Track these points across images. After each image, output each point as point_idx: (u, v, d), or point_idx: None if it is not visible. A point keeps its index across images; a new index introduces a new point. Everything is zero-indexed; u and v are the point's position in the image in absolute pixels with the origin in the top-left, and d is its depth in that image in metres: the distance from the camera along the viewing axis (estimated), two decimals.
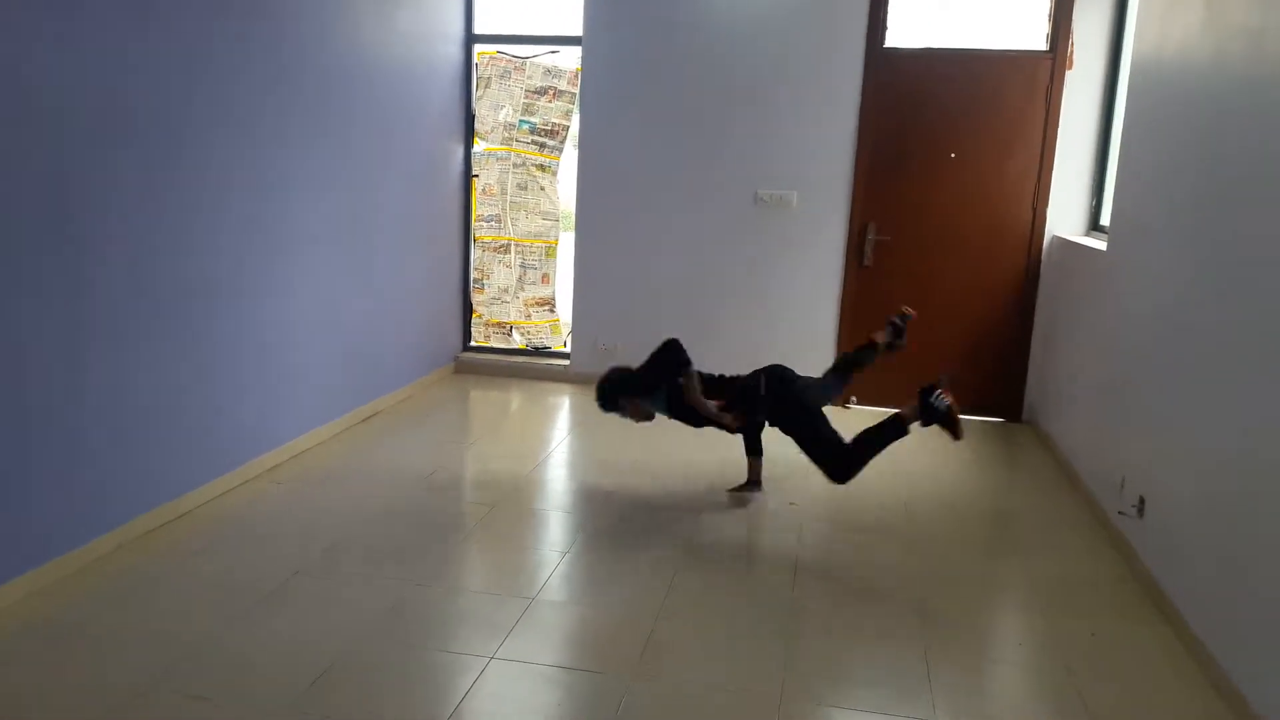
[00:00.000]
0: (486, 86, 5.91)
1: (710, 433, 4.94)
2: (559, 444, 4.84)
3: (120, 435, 3.29)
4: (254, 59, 3.82)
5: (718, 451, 4.68)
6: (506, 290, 6.15)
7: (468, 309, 6.19)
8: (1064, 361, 4.86)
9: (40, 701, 2.42)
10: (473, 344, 6.24)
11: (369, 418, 4.97)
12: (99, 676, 2.54)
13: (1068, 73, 5.13)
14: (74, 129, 2.97)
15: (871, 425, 3.74)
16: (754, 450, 4.17)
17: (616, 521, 3.78)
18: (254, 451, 4.05)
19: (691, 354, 5.67)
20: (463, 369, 6.11)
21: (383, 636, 2.80)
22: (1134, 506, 3.43)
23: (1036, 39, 5.23)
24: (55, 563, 3.04)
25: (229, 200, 3.74)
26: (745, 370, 4.19)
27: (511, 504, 3.92)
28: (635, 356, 5.82)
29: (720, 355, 5.81)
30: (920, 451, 4.59)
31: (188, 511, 3.63)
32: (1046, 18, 5.18)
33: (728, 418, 4.03)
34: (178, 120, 3.42)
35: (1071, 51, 5.11)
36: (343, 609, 2.96)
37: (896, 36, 5.32)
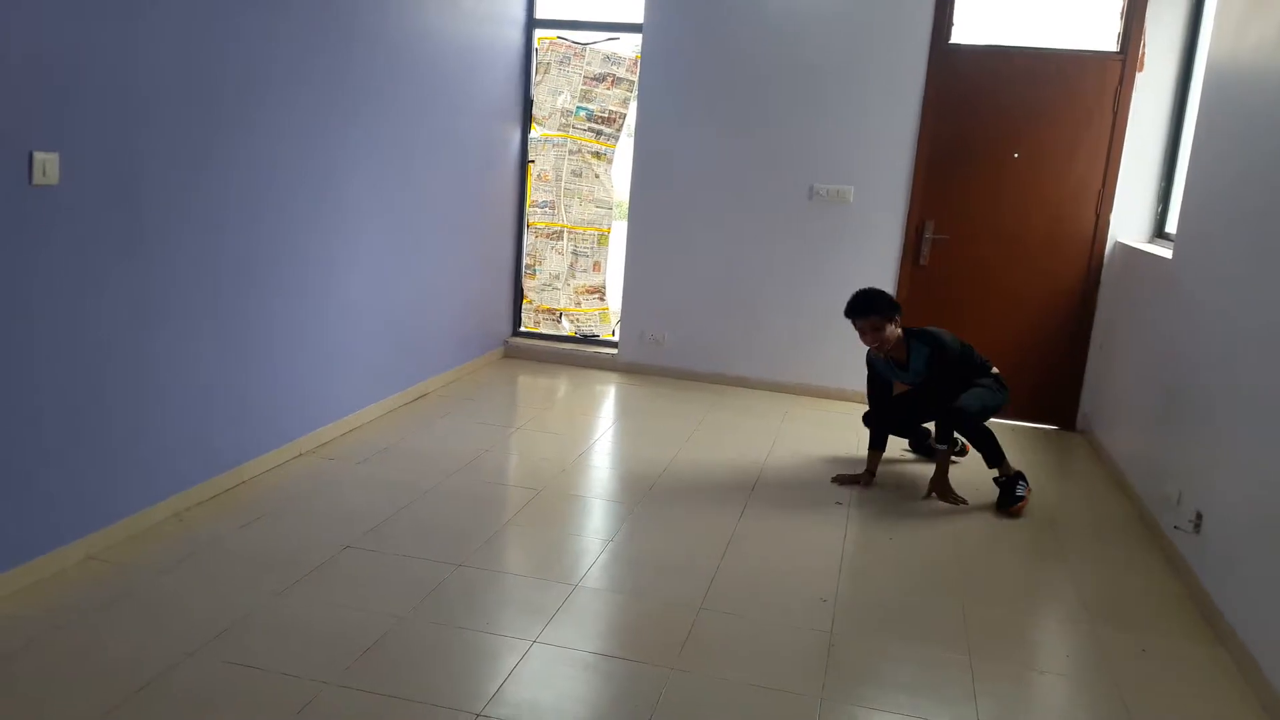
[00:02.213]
0: (546, 72, 5.92)
1: (756, 429, 4.94)
2: (604, 432, 4.86)
3: (180, 406, 3.36)
4: (313, 33, 3.85)
5: (764, 447, 4.66)
6: (558, 277, 6.17)
7: (519, 294, 6.22)
8: (1121, 370, 4.76)
9: (91, 662, 2.49)
10: (522, 329, 6.27)
11: (418, 398, 5.03)
12: (152, 640, 2.60)
13: (1138, 75, 5.01)
14: (125, 101, 3.01)
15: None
16: (880, 444, 4.29)
17: (660, 512, 3.78)
18: (306, 427, 4.11)
19: (741, 347, 5.71)
20: (512, 354, 6.14)
21: (428, 614, 2.83)
22: (1190, 522, 3.35)
23: (1107, 39, 5.11)
24: (114, 527, 3.11)
25: (290, 178, 3.79)
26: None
27: (556, 490, 3.94)
28: (684, 350, 5.85)
29: (771, 350, 5.80)
30: (970, 459, 4.53)
31: (242, 482, 3.70)
32: (1119, 17, 5.06)
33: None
34: (234, 101, 3.47)
35: (1143, 53, 4.99)
36: (389, 585, 3.00)
37: (962, 33, 5.23)
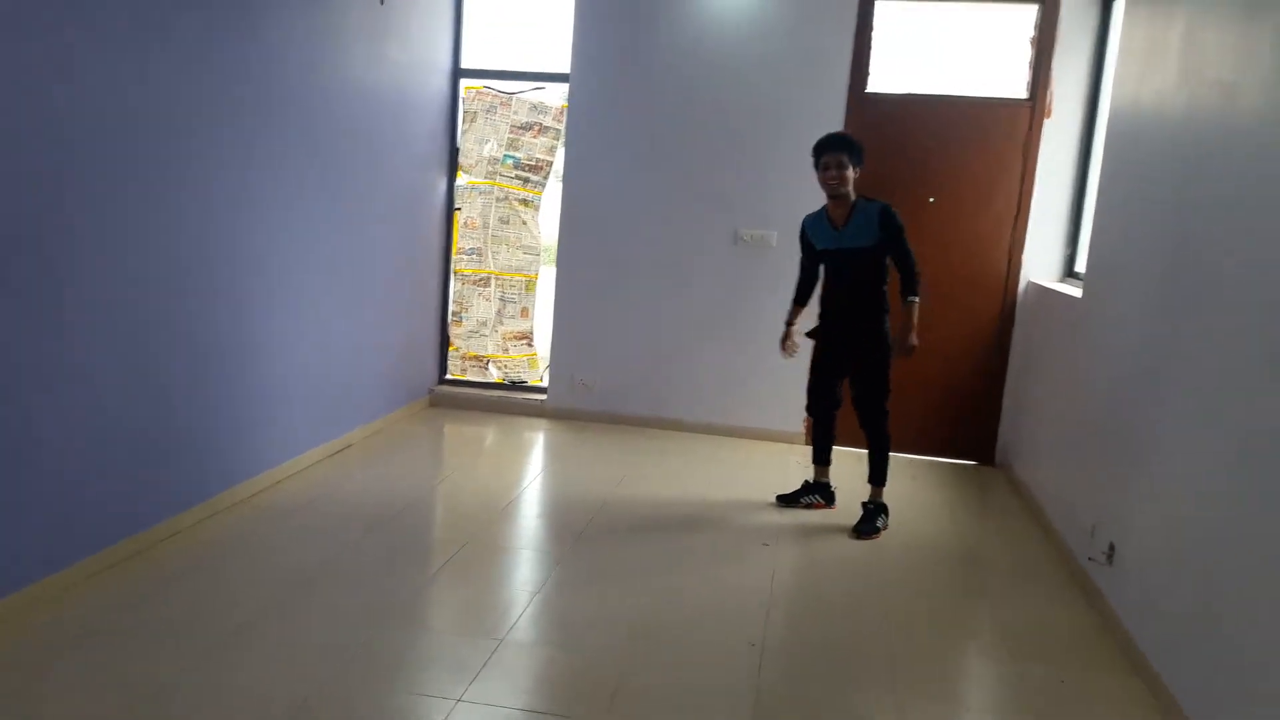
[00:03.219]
0: (472, 121, 5.93)
1: (685, 472, 4.93)
2: (533, 480, 4.80)
3: (89, 463, 3.23)
4: (237, 82, 3.80)
5: (694, 490, 4.66)
6: (485, 323, 6.13)
7: (445, 342, 6.16)
8: (1036, 406, 4.88)
9: None
10: (448, 377, 6.20)
11: (342, 450, 4.92)
12: (65, 713, 2.46)
13: (1046, 122, 5.21)
14: (47, 151, 2.94)
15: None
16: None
17: (589, 560, 3.74)
18: (226, 482, 3.99)
19: (671, 390, 5.72)
20: (438, 402, 6.06)
21: (348, 677, 2.74)
22: (1104, 553, 3.42)
23: (1017, 87, 5.30)
24: (21, 593, 2.96)
25: (203, 226, 3.71)
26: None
27: (483, 541, 3.87)
28: (613, 394, 5.84)
29: (699, 392, 5.82)
30: (892, 495, 4.58)
31: (155, 544, 3.56)
32: (1027, 66, 5.26)
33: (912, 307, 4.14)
34: (161, 147, 3.40)
35: (1051, 101, 5.19)
36: (308, 648, 2.90)
37: (878, 82, 5.39)
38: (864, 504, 4.29)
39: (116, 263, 3.27)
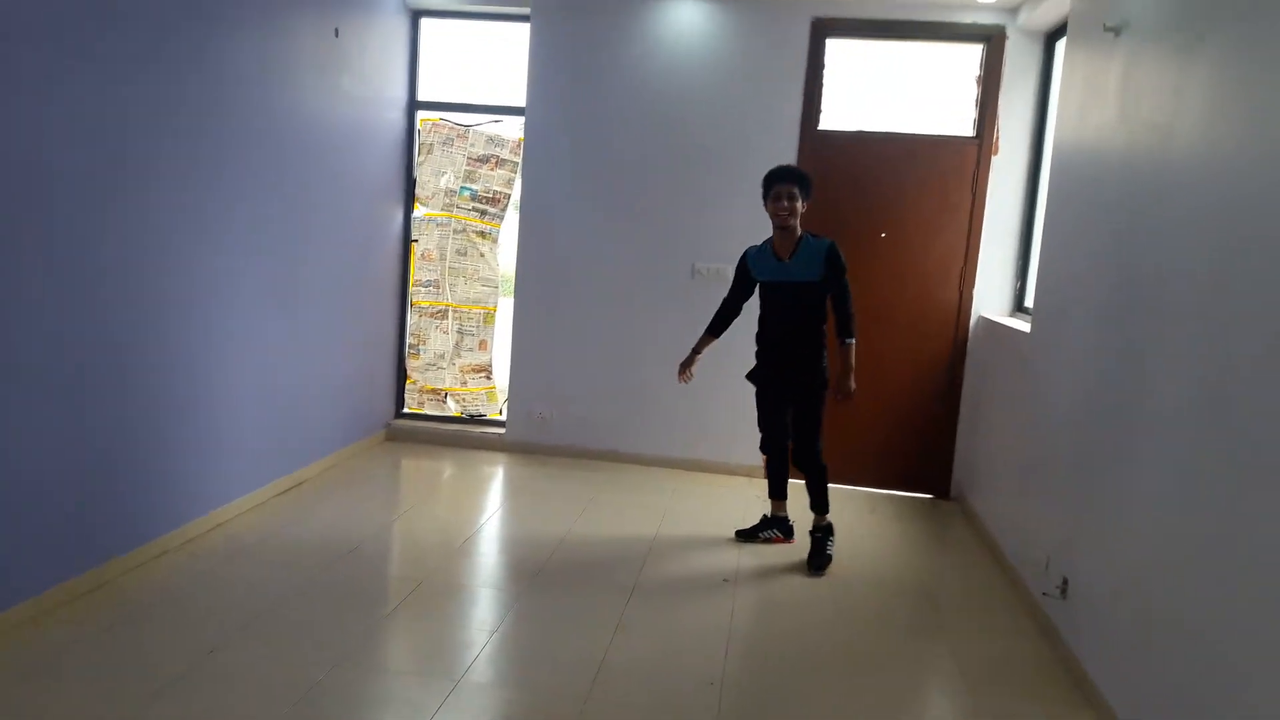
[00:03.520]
0: (429, 153, 5.93)
1: (645, 506, 4.93)
2: (491, 516, 4.77)
3: (30, 504, 3.15)
4: (191, 117, 3.78)
5: (652, 525, 4.65)
6: (443, 356, 6.10)
7: (402, 375, 6.11)
8: (989, 440, 4.96)
9: None
10: (406, 410, 6.15)
11: (294, 487, 4.85)
12: None
13: (993, 158, 5.33)
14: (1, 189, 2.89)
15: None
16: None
17: (547, 598, 3.72)
18: (173, 522, 3.91)
19: (630, 424, 5.72)
20: (394, 436, 6.01)
21: None
22: (1057, 587, 3.47)
23: (964, 125, 5.42)
24: None
25: (153, 258, 3.66)
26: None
27: (439, 579, 3.83)
28: (572, 427, 5.82)
29: (658, 425, 5.83)
30: (848, 528, 4.62)
31: (104, 583, 3.48)
32: (974, 105, 5.39)
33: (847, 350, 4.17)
34: (108, 178, 3.36)
35: (997, 138, 5.31)
36: (260, 690, 2.84)
37: (830, 119, 5.48)
38: (811, 533, 4.32)
39: (65, 296, 3.21)
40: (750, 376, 4.42)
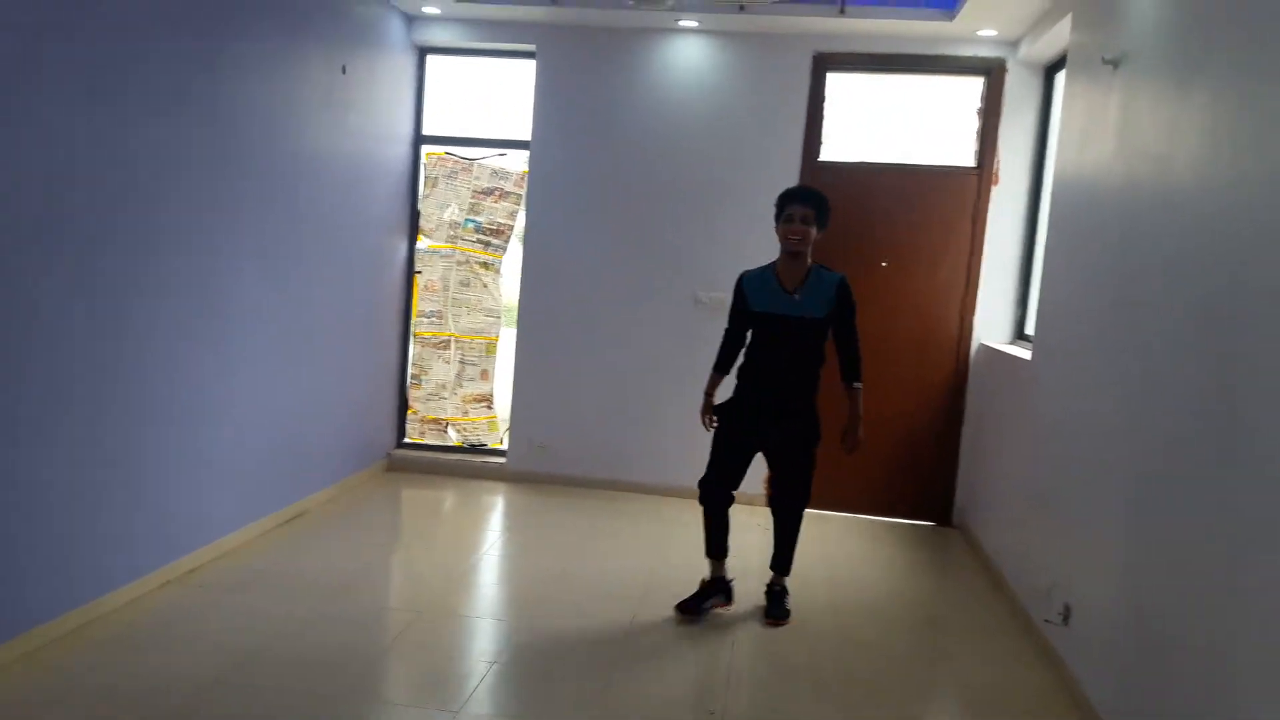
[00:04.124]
0: (433, 186, 5.98)
1: (646, 535, 4.91)
2: (491, 546, 4.75)
3: (29, 534, 3.15)
4: (197, 152, 3.81)
5: (654, 554, 4.63)
6: (444, 386, 6.11)
7: (403, 405, 6.12)
8: (991, 467, 4.94)
9: None
10: (407, 440, 6.15)
11: (296, 517, 4.84)
12: None
13: (994, 189, 5.36)
14: (4, 218, 2.92)
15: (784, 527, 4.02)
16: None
17: (548, 630, 3.69)
18: (176, 553, 3.90)
19: (632, 453, 5.71)
20: (395, 466, 6.00)
21: None
22: (1059, 614, 3.45)
23: (965, 156, 5.46)
24: None
25: (160, 290, 3.68)
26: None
27: (439, 610, 3.81)
28: (574, 456, 5.82)
29: (660, 455, 5.82)
30: (849, 556, 4.59)
31: (104, 615, 3.46)
32: (974, 136, 5.43)
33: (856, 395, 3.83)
34: (114, 210, 3.38)
35: (997, 169, 5.35)
36: None
37: (832, 151, 5.53)
38: (772, 588, 3.98)
39: (73, 327, 3.23)
40: (721, 410, 3.92)
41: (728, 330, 3.97)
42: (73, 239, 3.20)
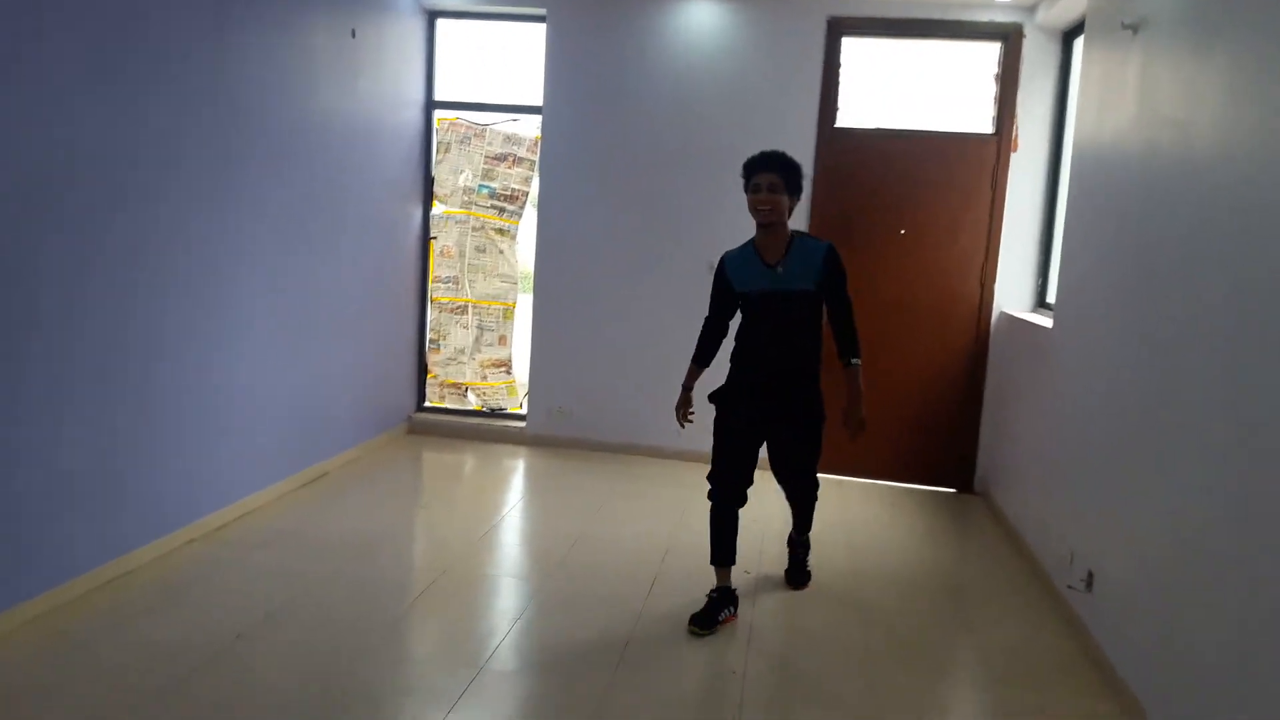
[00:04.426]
0: (446, 151, 5.97)
1: (666, 498, 4.95)
2: (512, 508, 4.81)
3: (59, 493, 3.21)
4: (206, 117, 3.83)
5: (674, 517, 4.67)
6: (463, 351, 6.15)
7: (422, 369, 6.16)
8: (1012, 434, 4.96)
9: None
10: (426, 404, 6.20)
11: (317, 478, 4.90)
12: None
13: (1013, 155, 5.33)
14: (20, 186, 2.94)
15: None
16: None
17: (569, 589, 3.75)
18: (200, 511, 3.96)
19: (646, 417, 5.74)
20: (416, 430, 6.06)
21: (325, 706, 2.73)
22: (1082, 581, 3.48)
23: (983, 122, 5.43)
24: None
25: (176, 256, 3.71)
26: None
27: (462, 569, 3.87)
28: (593, 420, 5.86)
29: (672, 420, 5.83)
30: (870, 522, 4.63)
31: (130, 571, 3.54)
32: (993, 102, 5.39)
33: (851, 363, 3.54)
34: (124, 176, 3.41)
35: (1016, 135, 5.32)
36: (284, 676, 2.88)
37: (848, 117, 5.50)
38: (791, 544, 3.95)
39: (89, 292, 3.27)
40: (717, 397, 3.61)
41: (708, 319, 3.68)
42: (83, 208, 3.23)
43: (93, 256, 3.25)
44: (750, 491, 3.60)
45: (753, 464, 3.58)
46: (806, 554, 3.95)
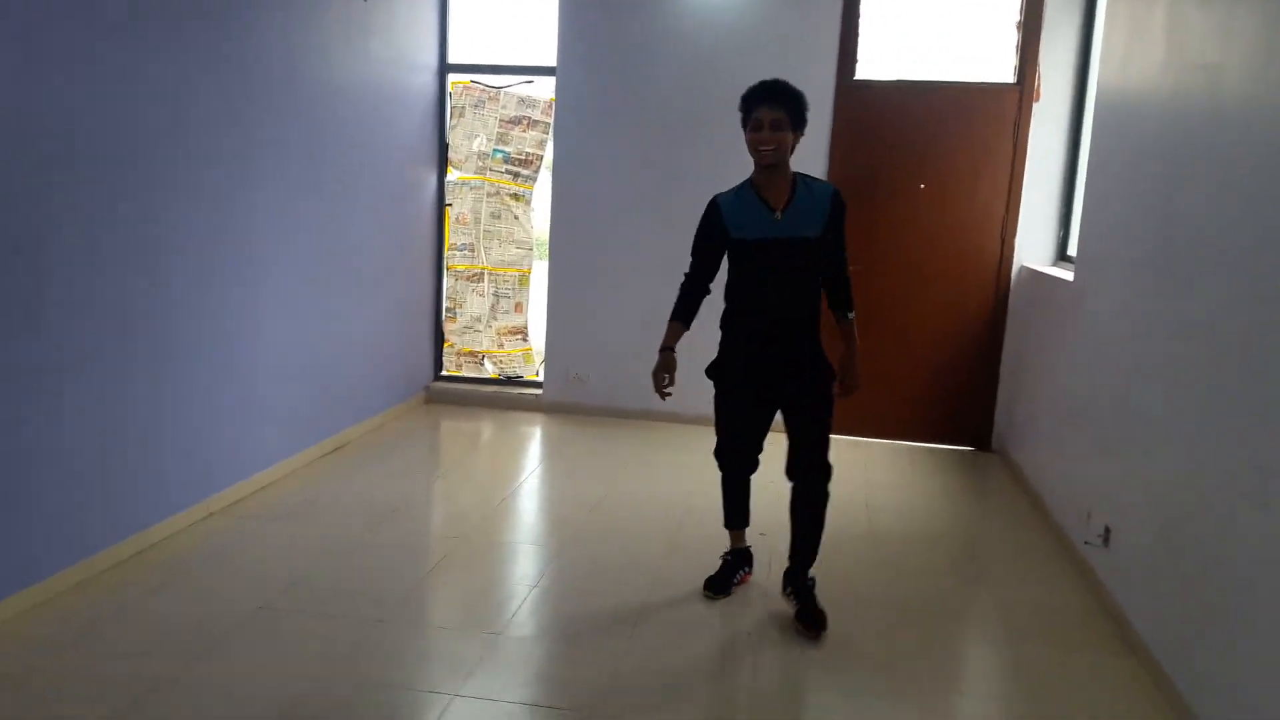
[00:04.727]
0: (460, 116, 5.92)
1: (683, 464, 4.93)
2: (530, 475, 4.81)
3: (79, 468, 3.23)
4: (218, 81, 3.79)
5: (690, 483, 4.66)
6: (479, 319, 6.13)
7: (439, 338, 6.16)
8: (1031, 391, 4.89)
9: None
10: (444, 373, 6.20)
11: (337, 449, 4.92)
12: (63, 716, 2.47)
13: (1035, 105, 5.20)
14: (27, 152, 2.93)
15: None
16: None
17: (586, 555, 3.75)
18: (219, 485, 3.99)
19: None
20: (434, 398, 6.07)
21: (345, 674, 2.75)
22: (1100, 537, 3.43)
23: (1004, 71, 5.29)
24: (10, 599, 2.96)
25: (190, 225, 3.70)
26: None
27: (479, 536, 3.88)
28: (609, 387, 5.84)
29: (694, 385, 5.80)
30: (888, 481, 4.59)
31: (151, 545, 3.57)
32: (1014, 50, 5.25)
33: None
34: (138, 144, 3.39)
35: (1039, 84, 5.18)
36: (305, 646, 2.91)
37: (867, 69, 5.38)
38: (799, 582, 3.24)
39: (105, 265, 3.26)
40: (714, 371, 3.33)
41: (691, 272, 3.28)
42: (92, 175, 3.21)
43: (102, 223, 3.24)
44: (770, 458, 3.35)
45: (763, 434, 3.31)
46: (814, 587, 3.25)
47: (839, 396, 3.21)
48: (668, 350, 3.26)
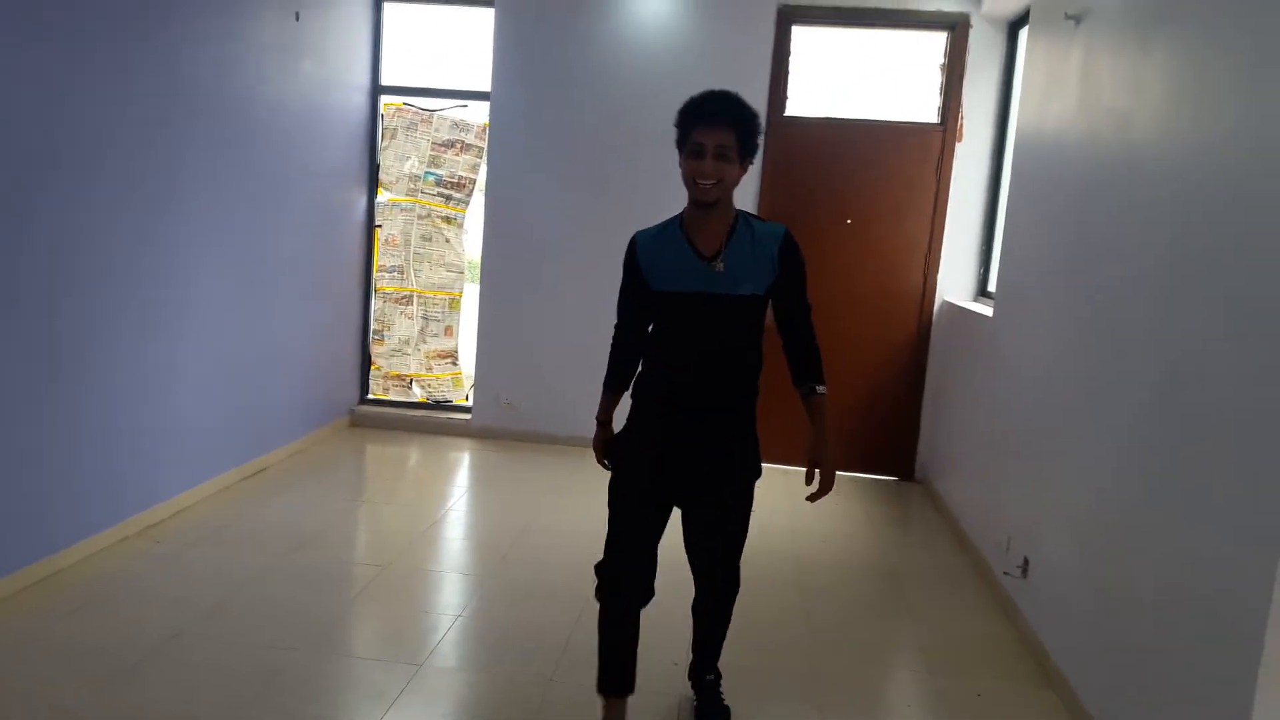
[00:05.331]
0: (392, 137, 5.87)
1: None
2: (457, 501, 4.74)
3: None
4: (143, 94, 3.70)
5: None
6: (408, 342, 6.05)
7: (366, 360, 6.06)
8: (952, 422, 5.01)
9: None
10: (370, 396, 6.10)
11: (258, 472, 4.79)
12: None
13: (958, 145, 5.37)
14: None
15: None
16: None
17: (512, 583, 3.71)
18: (134, 508, 3.85)
19: (594, 411, 5.67)
20: (359, 422, 5.96)
21: (261, 706, 2.66)
22: (1019, 567, 3.52)
23: (929, 112, 5.46)
24: None
25: (110, 239, 3.59)
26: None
27: (403, 564, 3.81)
28: (540, 413, 5.80)
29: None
30: (813, 509, 4.63)
31: (58, 572, 3.42)
32: (938, 91, 5.42)
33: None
34: (55, 154, 3.28)
35: (961, 124, 5.35)
36: (220, 676, 2.81)
37: (796, 106, 5.49)
38: (704, 682, 2.81)
39: (10, 277, 3.14)
40: (613, 448, 2.66)
41: (617, 328, 2.70)
42: (9, 186, 3.10)
43: (18, 239, 3.13)
44: (638, 645, 2.64)
45: (656, 542, 2.58)
46: (718, 682, 2.82)
47: (812, 499, 2.57)
48: (602, 424, 2.71)
